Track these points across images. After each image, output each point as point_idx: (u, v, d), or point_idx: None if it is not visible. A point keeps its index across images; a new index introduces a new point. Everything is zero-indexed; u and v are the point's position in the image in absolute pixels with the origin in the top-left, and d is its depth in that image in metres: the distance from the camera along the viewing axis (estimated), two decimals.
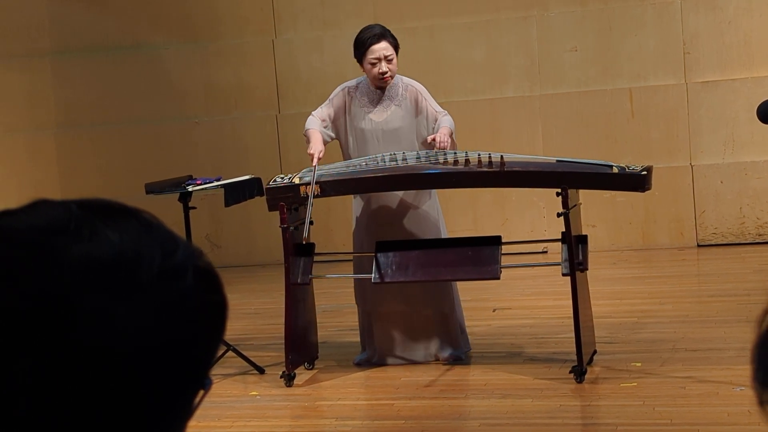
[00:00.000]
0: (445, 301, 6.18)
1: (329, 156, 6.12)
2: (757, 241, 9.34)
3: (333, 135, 6.17)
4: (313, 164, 5.89)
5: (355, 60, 6.12)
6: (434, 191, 6.23)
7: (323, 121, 6.13)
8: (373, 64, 5.98)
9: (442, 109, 6.09)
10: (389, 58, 5.98)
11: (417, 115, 6.08)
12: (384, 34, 6.01)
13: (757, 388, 1.04)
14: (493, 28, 9.87)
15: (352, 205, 6.29)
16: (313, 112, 6.21)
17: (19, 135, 10.81)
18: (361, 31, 6.09)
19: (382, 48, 5.97)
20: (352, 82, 6.19)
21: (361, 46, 6.02)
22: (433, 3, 9.96)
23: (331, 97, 6.20)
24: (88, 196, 1.05)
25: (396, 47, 6.04)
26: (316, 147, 5.96)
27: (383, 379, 5.97)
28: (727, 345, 6.01)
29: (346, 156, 6.15)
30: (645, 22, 9.58)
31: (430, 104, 6.07)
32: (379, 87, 6.08)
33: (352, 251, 6.37)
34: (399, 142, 6.03)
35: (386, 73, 5.98)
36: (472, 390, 5.70)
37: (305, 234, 5.91)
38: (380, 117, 6.08)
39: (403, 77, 6.15)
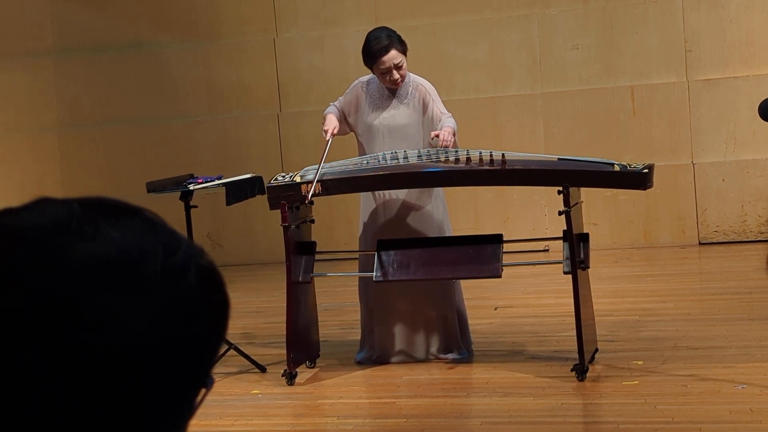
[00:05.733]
0: (446, 304, 6.18)
1: (336, 154, 6.11)
2: (758, 239, 9.33)
3: (346, 129, 6.22)
4: (327, 139, 5.96)
5: (363, 64, 6.13)
6: (441, 192, 6.23)
7: (339, 111, 6.20)
8: (384, 74, 6.00)
9: (447, 111, 6.09)
10: (399, 65, 5.99)
11: (424, 113, 6.10)
12: (391, 43, 5.99)
13: None
14: (494, 27, 9.86)
15: (360, 208, 6.30)
16: (332, 103, 6.28)
17: (22, 134, 10.82)
18: (367, 41, 6.06)
19: (391, 58, 5.97)
20: (365, 78, 6.22)
21: (370, 58, 6.02)
22: (435, 1, 9.96)
23: (347, 90, 6.26)
24: (90, 195, 1.05)
25: (404, 51, 6.04)
26: (330, 123, 6.06)
27: (385, 377, 5.97)
28: (728, 343, 6.01)
29: (361, 151, 6.19)
30: (647, 20, 9.58)
31: (437, 105, 6.09)
32: (390, 88, 6.12)
33: (353, 250, 6.37)
34: (405, 139, 6.05)
35: (397, 79, 6.01)
36: (474, 388, 5.70)
37: (310, 195, 5.84)
38: (388, 113, 6.10)
39: (413, 75, 6.17)
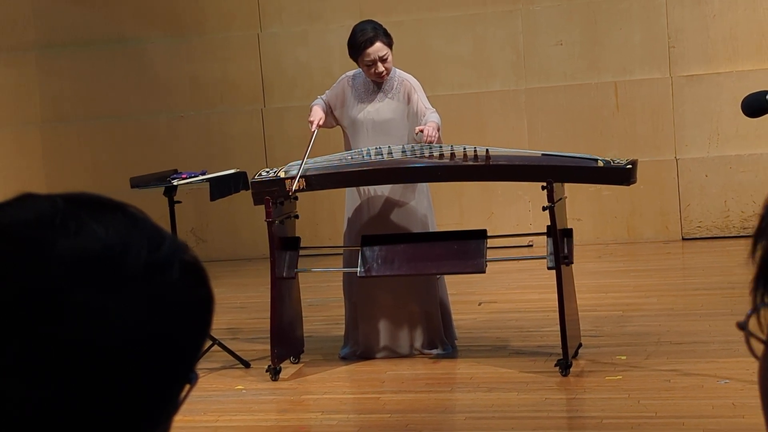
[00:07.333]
0: (429, 300, 6.18)
1: (320, 149, 6.11)
2: (741, 234, 9.36)
3: (332, 122, 6.22)
4: (312, 130, 5.96)
5: (349, 57, 6.15)
6: (426, 188, 6.24)
7: (326, 104, 6.22)
8: (369, 66, 6.01)
9: (431, 106, 6.10)
10: (384, 57, 6.00)
11: (408, 108, 6.11)
12: (376, 35, 6.00)
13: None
14: (479, 22, 9.87)
15: (345, 204, 6.30)
16: (319, 96, 6.30)
17: (5, 129, 10.78)
18: (353, 32, 6.08)
19: (376, 50, 5.98)
20: (351, 72, 6.24)
21: (355, 50, 6.04)
22: None
23: (334, 84, 6.28)
24: (73, 190, 1.05)
25: (390, 44, 6.06)
26: (316, 115, 6.09)
27: (369, 372, 5.97)
28: (711, 338, 6.03)
29: (347, 146, 6.20)
30: (630, 16, 9.60)
31: (421, 99, 6.10)
32: (375, 81, 6.12)
33: (338, 245, 6.37)
34: (389, 134, 6.05)
35: (382, 72, 6.02)
36: (458, 383, 5.71)
37: (293, 189, 5.84)
38: (372, 107, 6.11)
39: (399, 70, 6.18)
